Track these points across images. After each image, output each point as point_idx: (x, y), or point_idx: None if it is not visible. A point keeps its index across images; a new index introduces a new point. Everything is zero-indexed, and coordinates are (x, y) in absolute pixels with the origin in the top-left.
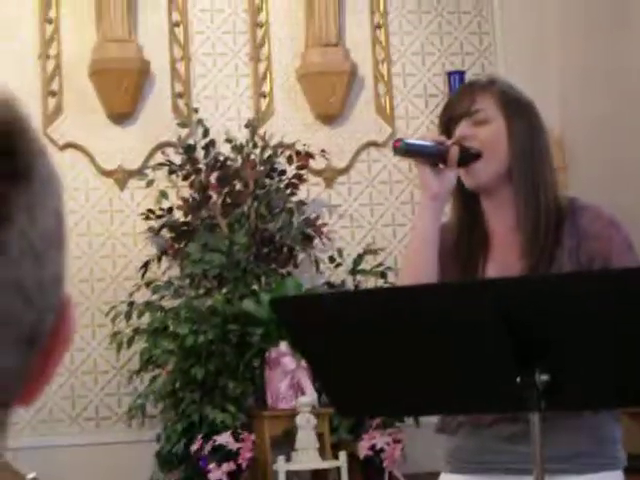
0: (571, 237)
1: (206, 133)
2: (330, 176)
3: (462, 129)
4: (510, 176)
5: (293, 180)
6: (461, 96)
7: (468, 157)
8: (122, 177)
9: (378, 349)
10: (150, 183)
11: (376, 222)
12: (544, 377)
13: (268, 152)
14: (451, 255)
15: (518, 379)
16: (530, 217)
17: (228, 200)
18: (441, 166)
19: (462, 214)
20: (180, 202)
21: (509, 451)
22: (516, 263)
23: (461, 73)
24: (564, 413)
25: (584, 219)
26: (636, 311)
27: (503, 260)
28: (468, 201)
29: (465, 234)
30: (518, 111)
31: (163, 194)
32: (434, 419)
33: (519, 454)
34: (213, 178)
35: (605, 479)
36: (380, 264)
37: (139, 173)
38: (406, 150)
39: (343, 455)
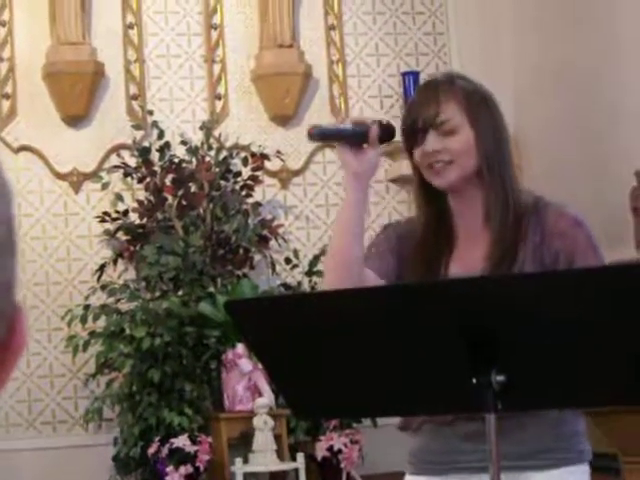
0: (535, 234)
1: (161, 135)
2: (285, 177)
3: (432, 144)
4: (478, 175)
5: (248, 182)
6: (424, 104)
7: (389, 134)
8: (77, 180)
9: (334, 351)
10: (105, 186)
11: (332, 223)
12: (500, 378)
13: (223, 154)
14: (415, 252)
15: (474, 380)
16: (499, 216)
17: (183, 202)
18: (365, 146)
19: (427, 211)
20: (135, 205)
21: (471, 450)
22: (480, 262)
23: (416, 74)
24: (521, 412)
25: (549, 217)
26: (587, 311)
27: (467, 259)
28: (434, 199)
29: (431, 232)
30: (483, 113)
31: (118, 197)
32: (392, 420)
33: (481, 452)
34: (168, 180)
35: (569, 474)
36: None
37: (94, 176)
38: (321, 136)
39: (301, 457)
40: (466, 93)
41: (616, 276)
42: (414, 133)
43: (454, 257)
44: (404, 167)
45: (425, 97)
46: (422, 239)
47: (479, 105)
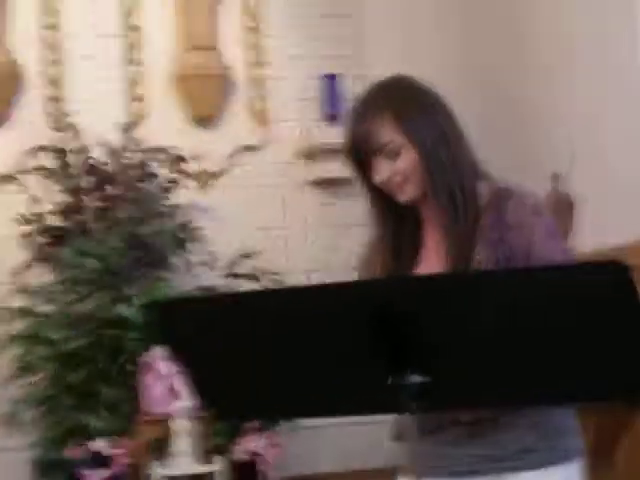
0: (492, 231)
1: (79, 137)
2: (204, 180)
3: (381, 173)
4: None
5: (167, 184)
6: (359, 134)
7: None
8: None
9: (251, 352)
10: (22, 187)
11: (250, 226)
12: (416, 378)
13: (142, 156)
14: (383, 265)
15: (389, 381)
16: (450, 226)
17: (102, 205)
18: None
19: (390, 224)
20: (53, 207)
21: (453, 455)
22: (439, 267)
23: (334, 76)
24: (506, 412)
25: (508, 210)
26: (503, 312)
27: (430, 265)
28: (399, 210)
29: (395, 243)
30: (419, 124)
31: (36, 199)
32: (312, 422)
33: (463, 457)
34: (86, 182)
35: (551, 475)
36: (254, 268)
37: (11, 177)
38: None
39: (219, 459)
40: (396, 110)
41: (528, 278)
42: (360, 162)
43: (419, 264)
44: (321, 170)
45: (358, 126)
46: (388, 249)
47: (413, 118)
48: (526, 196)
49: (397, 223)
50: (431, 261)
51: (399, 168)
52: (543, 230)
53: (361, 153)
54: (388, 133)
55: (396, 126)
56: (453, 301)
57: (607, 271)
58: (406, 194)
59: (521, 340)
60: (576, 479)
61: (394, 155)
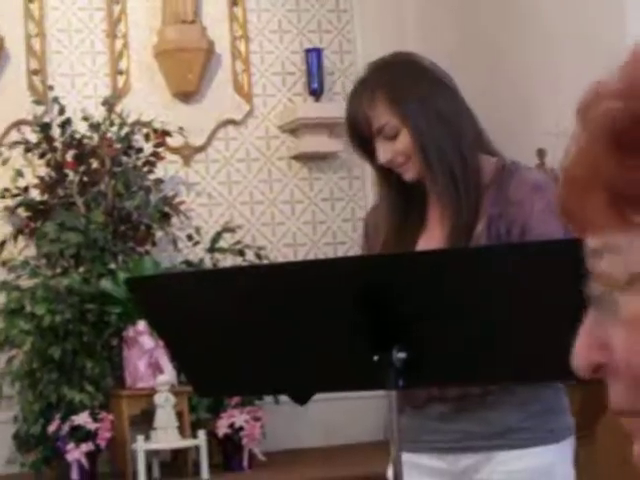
0: (493, 206)
1: (62, 111)
2: (188, 154)
3: (383, 155)
4: None
5: (150, 158)
6: (357, 118)
7: None
8: None
9: (234, 328)
10: (5, 161)
11: (234, 200)
12: (401, 355)
13: (125, 130)
14: (387, 238)
15: (375, 357)
16: (451, 203)
17: (85, 179)
18: None
19: (395, 199)
20: (36, 181)
21: (441, 430)
22: (440, 242)
23: (319, 50)
24: (492, 390)
25: (510, 186)
26: (487, 288)
27: (432, 240)
28: (405, 190)
29: (400, 218)
30: (411, 105)
31: (19, 172)
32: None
33: (450, 432)
34: (69, 156)
35: (537, 454)
36: (238, 242)
37: None
38: None
39: (202, 434)
40: (390, 91)
41: (511, 254)
42: (363, 145)
43: (422, 239)
44: (305, 144)
45: (355, 108)
46: (392, 225)
47: (407, 98)
48: (530, 172)
49: (403, 198)
50: (434, 236)
51: (398, 149)
52: (542, 206)
53: (362, 134)
54: (383, 115)
55: (390, 107)
56: (433, 278)
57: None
58: (410, 173)
59: (499, 316)
60: (566, 458)
61: (392, 136)
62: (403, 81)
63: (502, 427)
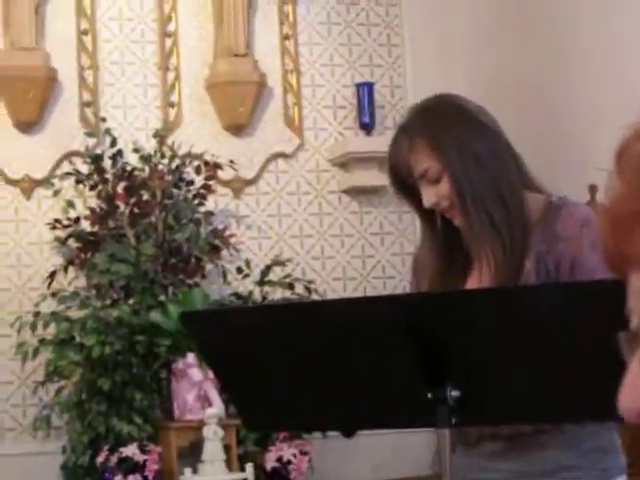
0: (541, 243)
1: (114, 143)
2: (238, 187)
3: (428, 199)
4: None
5: (201, 190)
6: (399, 165)
7: None
8: (28, 186)
9: (286, 364)
10: (57, 192)
11: (284, 233)
12: (455, 393)
13: (176, 162)
14: (432, 280)
15: (429, 395)
16: (491, 246)
17: (135, 210)
18: None
19: (439, 245)
20: (87, 212)
21: (492, 468)
22: (489, 282)
23: (370, 85)
24: (545, 429)
25: (558, 222)
26: (539, 327)
27: (481, 280)
28: (451, 230)
29: (443, 264)
30: (450, 151)
31: (70, 204)
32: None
33: (501, 471)
34: (120, 188)
35: None
36: (288, 275)
37: (46, 182)
38: None
39: (250, 467)
40: (430, 136)
41: (561, 293)
42: (405, 189)
43: (470, 279)
44: (356, 178)
45: (395, 156)
46: (435, 268)
47: (446, 143)
48: (577, 207)
49: (449, 238)
50: (480, 276)
51: (442, 192)
52: (589, 242)
53: (403, 179)
54: (425, 161)
55: (430, 153)
56: (482, 316)
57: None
58: (457, 219)
59: (551, 356)
60: None
61: (435, 180)
62: (442, 126)
63: (554, 465)
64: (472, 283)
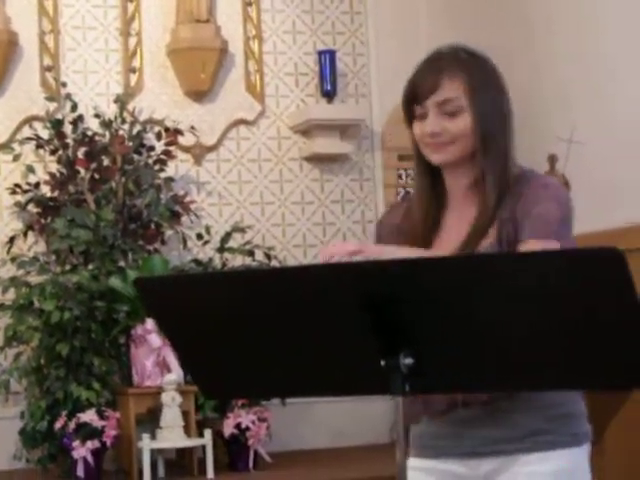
0: (505, 210)
1: (74, 108)
2: (199, 153)
3: (432, 125)
4: (475, 155)
5: (162, 156)
6: (427, 80)
7: None
8: None
9: (243, 331)
10: (17, 157)
11: (244, 200)
12: (408, 360)
13: (137, 128)
14: (414, 230)
15: (382, 363)
16: (493, 195)
17: (96, 176)
18: None
19: (423, 184)
20: (47, 177)
21: (463, 435)
22: (458, 239)
23: (332, 52)
24: (514, 395)
25: (530, 188)
26: (494, 295)
27: (450, 235)
28: (428, 170)
29: (426, 206)
30: (486, 95)
31: (30, 168)
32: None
33: (472, 438)
34: (81, 153)
35: (561, 456)
36: (248, 242)
37: (6, 147)
38: None
39: (208, 433)
40: (470, 73)
41: (517, 262)
42: (414, 107)
43: (441, 232)
44: (317, 146)
45: (429, 73)
46: (419, 215)
47: (483, 86)
48: (544, 177)
49: (429, 181)
50: (451, 230)
51: (452, 129)
52: (549, 196)
53: (419, 102)
54: (454, 91)
55: (466, 89)
56: (438, 284)
57: (603, 257)
58: (444, 155)
59: (513, 326)
60: (586, 462)
61: (451, 115)
62: (485, 76)
63: (526, 430)
64: (442, 240)
